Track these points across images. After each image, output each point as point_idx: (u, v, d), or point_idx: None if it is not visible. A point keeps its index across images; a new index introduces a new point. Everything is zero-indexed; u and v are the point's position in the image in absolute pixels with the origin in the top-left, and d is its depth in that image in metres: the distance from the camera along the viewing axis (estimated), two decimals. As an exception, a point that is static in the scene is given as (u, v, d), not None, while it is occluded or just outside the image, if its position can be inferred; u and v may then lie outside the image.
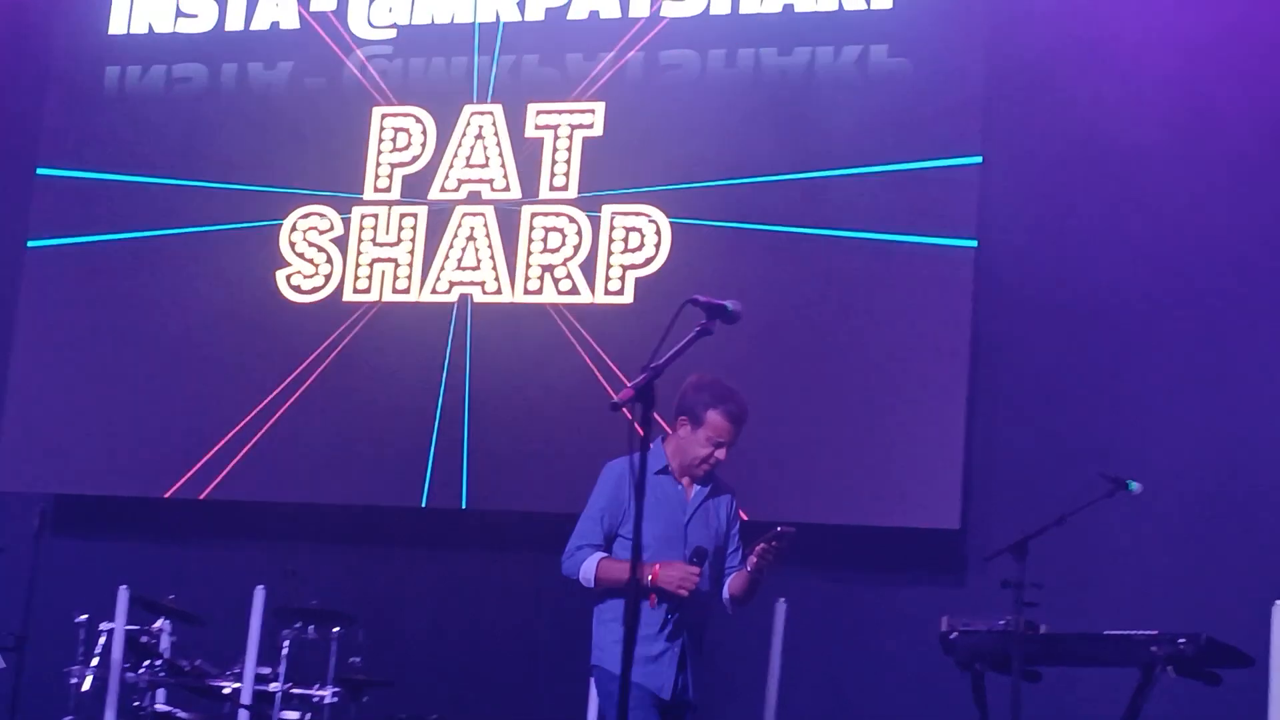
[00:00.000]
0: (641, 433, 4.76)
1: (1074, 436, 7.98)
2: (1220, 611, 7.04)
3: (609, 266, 8.79)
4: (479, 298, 8.94)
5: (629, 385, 4.74)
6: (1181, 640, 6.15)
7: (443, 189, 9.14)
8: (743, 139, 8.71)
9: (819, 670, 8.00)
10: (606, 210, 8.85)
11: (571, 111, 9.02)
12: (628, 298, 8.72)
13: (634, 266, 8.76)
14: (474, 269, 9.00)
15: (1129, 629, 6.36)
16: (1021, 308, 8.23)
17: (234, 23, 9.64)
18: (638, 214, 8.80)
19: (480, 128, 9.14)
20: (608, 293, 8.76)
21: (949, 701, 6.98)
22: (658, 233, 8.74)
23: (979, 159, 8.26)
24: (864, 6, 8.65)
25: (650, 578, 5.61)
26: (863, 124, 8.50)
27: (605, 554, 5.79)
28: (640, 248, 8.77)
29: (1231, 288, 7.96)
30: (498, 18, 9.27)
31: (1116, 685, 6.44)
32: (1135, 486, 6.42)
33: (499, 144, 9.09)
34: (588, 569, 5.76)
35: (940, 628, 6.63)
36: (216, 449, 9.10)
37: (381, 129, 9.29)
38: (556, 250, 8.89)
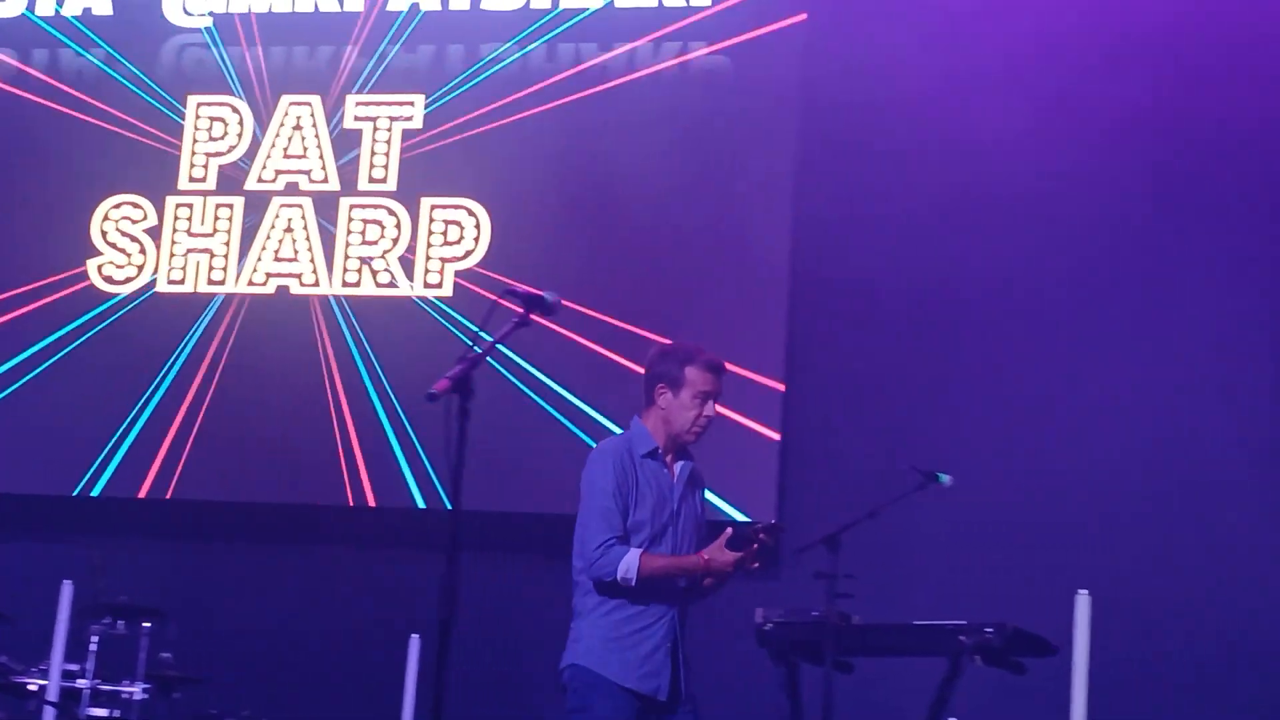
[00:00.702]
0: (459, 425, 4.69)
1: (888, 431, 8.10)
2: (1026, 602, 7.18)
3: (428, 260, 8.76)
4: (296, 289, 8.85)
5: (445, 376, 4.69)
6: (988, 630, 6.26)
7: (260, 180, 9.04)
8: (562, 133, 8.73)
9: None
10: (425, 203, 8.81)
11: (391, 104, 8.97)
12: (447, 290, 8.69)
13: (453, 259, 8.73)
14: (291, 260, 8.90)
15: (938, 619, 6.46)
16: (837, 303, 8.35)
17: (44, 7, 9.45)
18: (457, 207, 8.77)
19: (299, 118, 9.06)
20: (426, 285, 8.72)
21: (763, 694, 7.02)
22: (477, 226, 8.73)
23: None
24: (683, 4, 8.72)
25: (704, 563, 5.40)
26: (681, 120, 8.56)
27: (641, 549, 5.42)
28: (459, 240, 8.74)
29: (1040, 285, 8.13)
30: (316, 8, 9.19)
31: (926, 675, 6.54)
32: (946, 480, 6.50)
33: (317, 135, 9.01)
34: (628, 566, 5.37)
35: (755, 620, 6.68)
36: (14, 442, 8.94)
37: (197, 118, 9.16)
38: (375, 243, 8.83)
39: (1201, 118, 8.12)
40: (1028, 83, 8.24)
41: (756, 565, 5.50)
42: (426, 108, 8.90)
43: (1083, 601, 5.62)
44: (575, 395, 8.39)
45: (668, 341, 5.84)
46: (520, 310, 4.93)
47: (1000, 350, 8.07)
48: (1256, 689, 7.55)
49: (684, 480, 5.64)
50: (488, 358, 4.80)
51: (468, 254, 8.71)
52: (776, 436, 8.21)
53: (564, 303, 5.05)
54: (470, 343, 4.94)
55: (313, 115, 9.03)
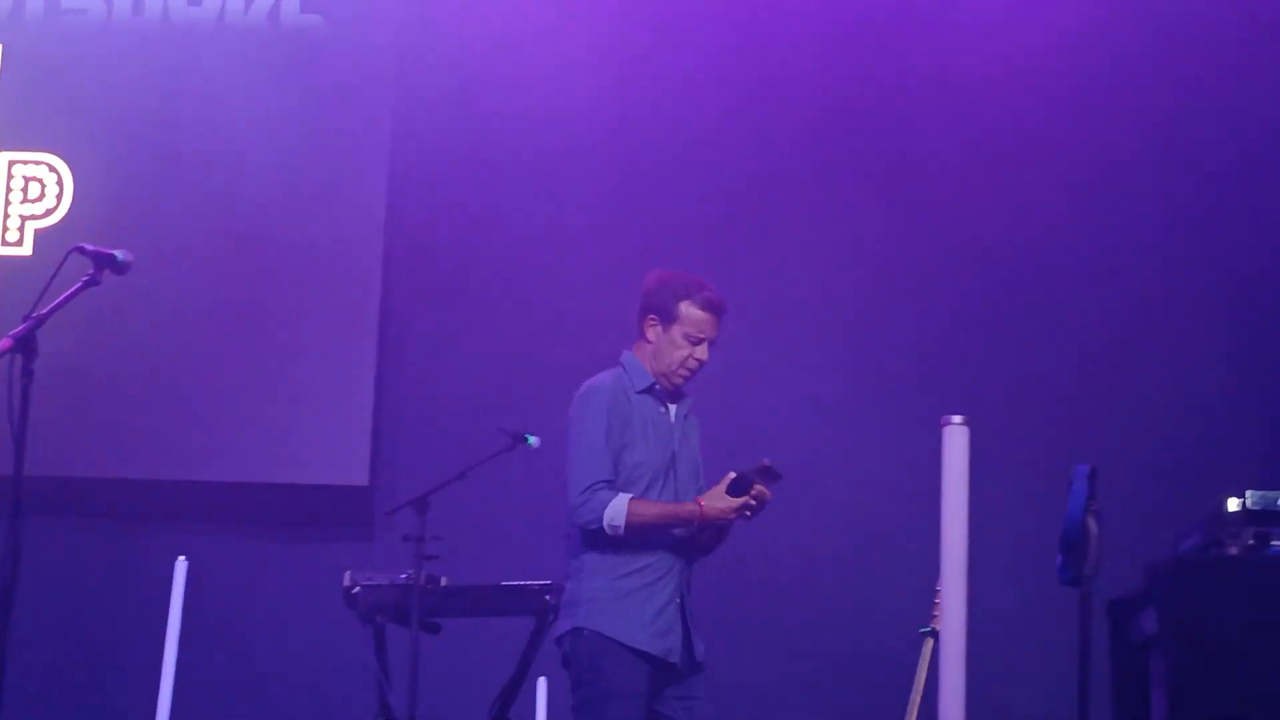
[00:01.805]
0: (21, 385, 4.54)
1: (480, 395, 8.15)
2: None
3: (7, 217, 8.41)
4: None
5: (9, 335, 4.54)
6: (573, 588, 6.38)
7: None
8: (152, 90, 8.47)
9: (223, 631, 7.90)
10: (3, 158, 8.45)
11: (-35, 53, 8.57)
12: (27, 249, 8.36)
13: (34, 217, 8.41)
14: None
15: (527, 580, 6.54)
16: (430, 264, 8.35)
17: None
18: (38, 163, 8.44)
19: None
20: (6, 244, 8.37)
21: (354, 656, 7.01)
22: (59, 183, 8.41)
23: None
24: (274, -42, 8.57)
25: (700, 511, 4.98)
26: (274, 78, 8.41)
27: (631, 496, 4.98)
28: (41, 198, 8.42)
29: (623, 248, 8.26)
30: (-116, -51, 8.72)
31: (514, 634, 6.62)
32: (534, 441, 6.57)
33: (-119, 85, 8.54)
34: (614, 512, 4.95)
35: (343, 583, 6.66)
36: None
37: None
38: (-49, 199, 8.44)
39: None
40: (622, 61, 8.34)
41: (750, 515, 5.10)
42: (3, 58, 8.52)
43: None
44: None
45: (674, 270, 5.31)
46: (91, 269, 4.80)
47: (587, 315, 8.19)
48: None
49: (681, 421, 5.27)
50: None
51: (49, 212, 8.38)
52: (369, 401, 8.17)
53: (144, 265, 4.92)
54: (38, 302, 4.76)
55: (-122, 63, 8.57)
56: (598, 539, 5.03)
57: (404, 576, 6.44)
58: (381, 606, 6.57)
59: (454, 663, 7.27)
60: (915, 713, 6.44)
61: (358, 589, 6.61)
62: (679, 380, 5.24)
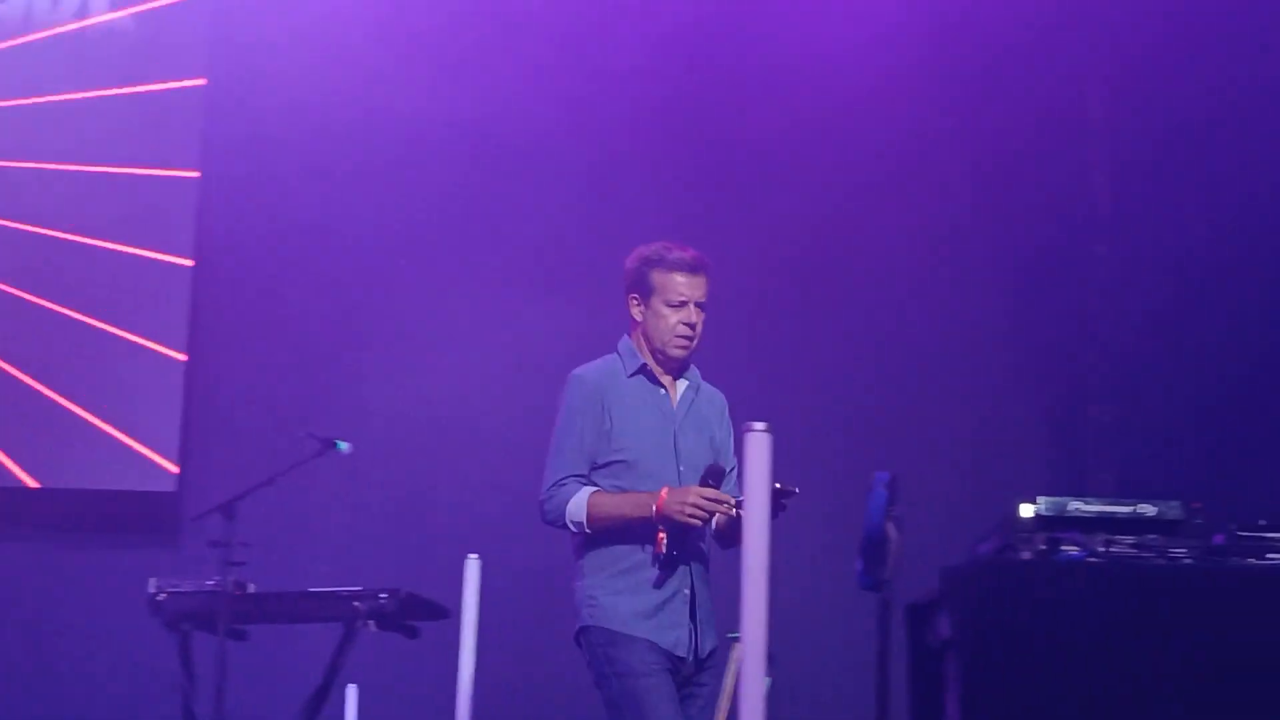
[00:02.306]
0: None
1: (291, 401, 8.09)
2: (419, 567, 7.34)
3: None
4: None
5: None
6: (382, 595, 6.34)
7: None
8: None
9: (26, 638, 7.77)
10: None
11: None
12: None
13: None
14: None
15: (335, 586, 6.51)
16: (241, 269, 8.28)
17: None
18: None
19: None
20: None
21: (160, 664, 6.92)
22: None
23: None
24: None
25: (655, 508, 4.62)
26: (83, 58, 8.27)
27: (594, 486, 4.73)
28: None
29: (429, 262, 8.27)
30: None
31: (322, 641, 6.58)
32: (344, 447, 6.53)
33: None
34: (576, 507, 4.68)
35: (148, 590, 6.57)
36: None
37: None
38: None
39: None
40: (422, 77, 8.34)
41: (704, 521, 4.68)
42: None
43: (472, 565, 5.76)
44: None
45: (648, 246, 4.95)
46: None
47: (397, 324, 8.19)
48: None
49: (688, 404, 4.94)
50: None
51: None
52: (179, 406, 8.08)
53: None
54: None
55: None
56: (593, 537, 4.77)
57: (211, 583, 6.37)
58: (188, 614, 6.50)
59: (261, 670, 7.21)
60: (724, 718, 6.51)
61: (163, 596, 6.53)
62: (677, 352, 4.90)
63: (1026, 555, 4.04)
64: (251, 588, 6.48)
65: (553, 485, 4.77)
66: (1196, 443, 7.80)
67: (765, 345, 8.12)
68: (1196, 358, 7.92)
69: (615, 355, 4.96)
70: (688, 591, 4.78)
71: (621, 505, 4.71)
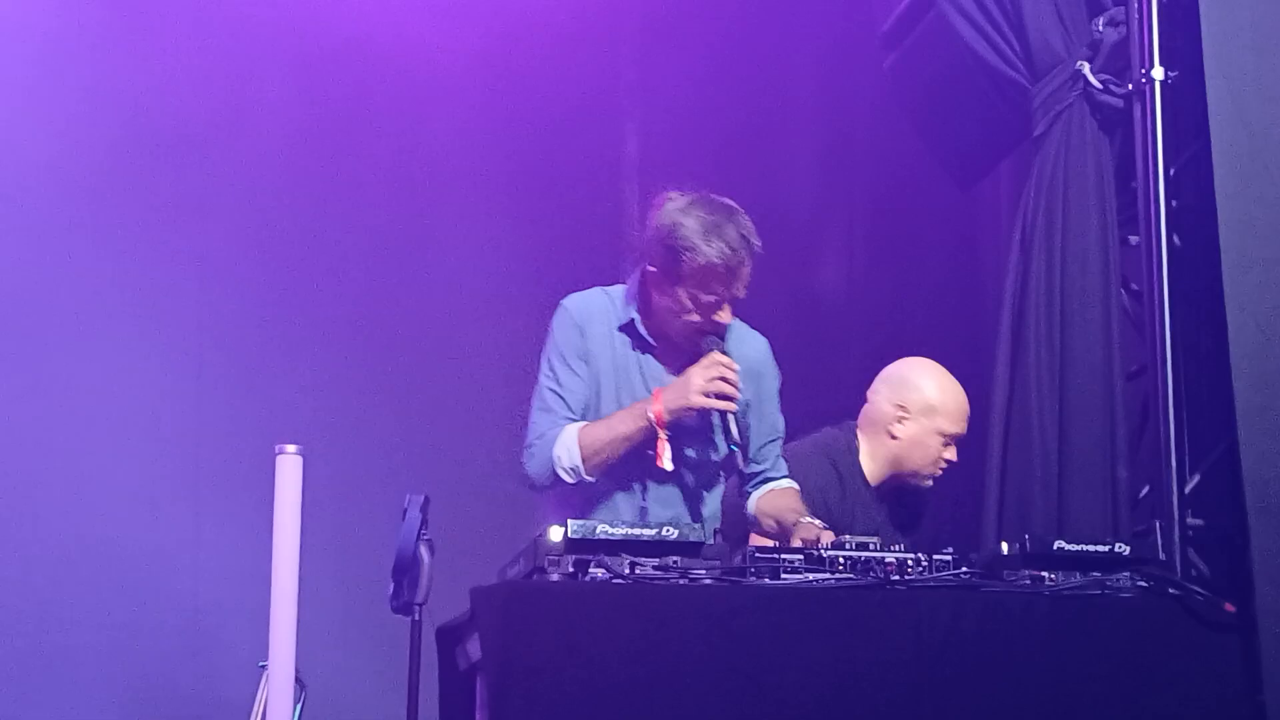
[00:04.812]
0: None
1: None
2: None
3: None
4: None
5: None
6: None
7: None
8: None
9: None
10: None
11: None
12: None
13: None
14: None
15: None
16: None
17: None
18: None
19: None
20: None
21: None
22: None
23: None
24: None
25: (653, 413, 3.95)
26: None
27: (581, 423, 4.07)
28: None
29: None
30: None
31: None
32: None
33: None
34: (566, 447, 4.11)
35: None
36: None
37: None
38: None
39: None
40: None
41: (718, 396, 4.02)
42: None
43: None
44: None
45: (684, 199, 4.02)
46: None
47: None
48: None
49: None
50: None
51: None
52: None
53: None
54: None
55: None
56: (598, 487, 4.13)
57: None
58: None
59: None
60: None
61: None
62: (684, 343, 4.23)
63: (555, 577, 4.10)
64: None
65: (527, 447, 4.36)
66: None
67: (296, 366, 7.95)
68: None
69: (607, 298, 4.32)
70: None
71: (614, 425, 4.14)
